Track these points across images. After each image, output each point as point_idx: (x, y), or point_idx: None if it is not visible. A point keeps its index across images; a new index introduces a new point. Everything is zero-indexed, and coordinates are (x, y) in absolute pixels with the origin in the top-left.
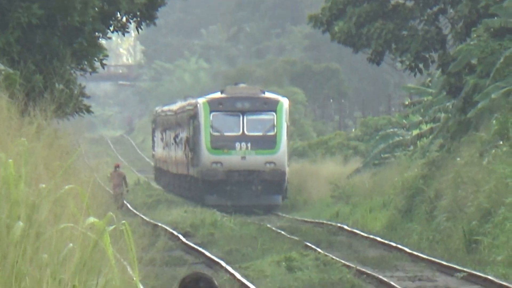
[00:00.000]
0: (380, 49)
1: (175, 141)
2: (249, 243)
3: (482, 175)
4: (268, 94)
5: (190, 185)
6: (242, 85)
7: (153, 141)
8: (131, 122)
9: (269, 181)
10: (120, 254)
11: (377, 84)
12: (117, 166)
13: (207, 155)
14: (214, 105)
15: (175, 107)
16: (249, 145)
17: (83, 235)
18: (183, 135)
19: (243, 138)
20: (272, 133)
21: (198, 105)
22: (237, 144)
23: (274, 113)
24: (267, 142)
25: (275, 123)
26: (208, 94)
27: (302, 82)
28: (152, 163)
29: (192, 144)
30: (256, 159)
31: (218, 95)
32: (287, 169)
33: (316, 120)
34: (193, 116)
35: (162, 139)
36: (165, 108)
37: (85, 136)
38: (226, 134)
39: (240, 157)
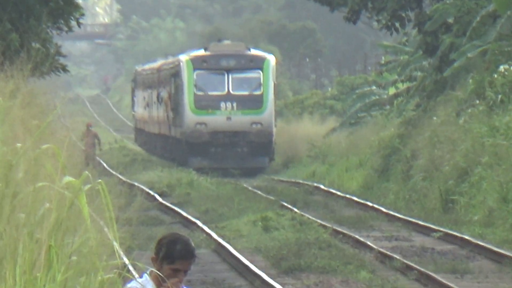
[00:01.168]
0: (357, 8)
1: (157, 101)
2: (225, 202)
3: (459, 134)
4: (254, 51)
5: (173, 147)
6: (226, 41)
7: (133, 101)
8: (107, 81)
9: (255, 142)
10: (97, 214)
11: (353, 43)
12: (89, 125)
13: (190, 116)
14: (197, 63)
15: (156, 65)
16: (234, 105)
17: (59, 195)
18: (165, 94)
19: (228, 97)
20: (258, 92)
21: (180, 63)
22: (222, 104)
23: (260, 71)
24: (254, 102)
25: (261, 81)
26: (190, 51)
27: (278, 41)
28: (131, 124)
29: (174, 104)
30: (242, 119)
31: (201, 52)
32: (274, 130)
33: (292, 79)
34: (176, 74)
35: (143, 99)
36: (146, 66)
37: (61, 95)
38: (210, 93)
39: (225, 117)
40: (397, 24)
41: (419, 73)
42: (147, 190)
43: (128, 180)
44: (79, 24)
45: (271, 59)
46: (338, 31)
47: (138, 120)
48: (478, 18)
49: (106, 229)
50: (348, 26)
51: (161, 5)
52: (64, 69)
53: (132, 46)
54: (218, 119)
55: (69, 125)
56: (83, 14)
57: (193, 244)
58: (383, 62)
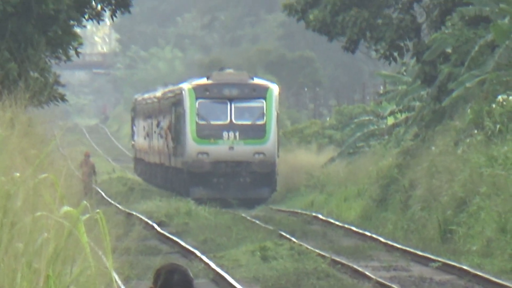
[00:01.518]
0: (355, 38)
1: (157, 130)
2: (224, 232)
3: (457, 164)
4: (257, 80)
5: (174, 177)
6: (229, 70)
7: (133, 130)
8: (106, 110)
9: (258, 172)
10: (95, 243)
11: (351, 73)
12: (87, 155)
13: (192, 145)
14: (200, 92)
15: (157, 94)
16: (237, 134)
17: (58, 224)
18: (166, 123)
19: (230, 127)
20: (261, 122)
21: (182, 91)
22: (225, 133)
23: (263, 100)
24: (256, 131)
25: (264, 111)
26: (192, 79)
27: (276, 71)
28: (130, 154)
29: (176, 133)
30: (245, 149)
31: (204, 81)
32: (277, 160)
33: (290, 109)
34: (177, 103)
35: (143, 128)
36: (146, 95)
37: (60, 125)
38: (212, 122)
39: (228, 147)
40: (396, 54)
41: (417, 103)
42: (146, 219)
43: (127, 210)
44: (77, 53)
45: (274, 88)
46: (337, 60)
47: (138, 150)
48: (476, 48)
49: (104, 259)
50: (347, 55)
51: (160, 34)
52: (63, 98)
53: (131, 75)
54: (220, 149)
55: (67, 154)
56: (81, 44)
57: (191, 275)
58: (381, 92)
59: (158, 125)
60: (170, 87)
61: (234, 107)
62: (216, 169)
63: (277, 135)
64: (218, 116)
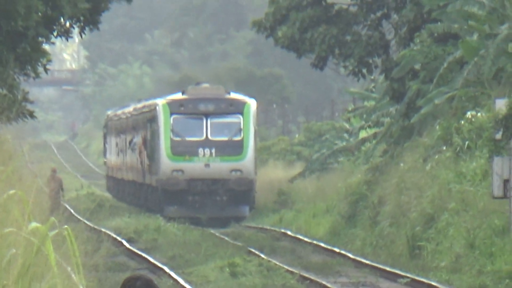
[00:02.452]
0: (324, 54)
1: (130, 147)
2: (193, 248)
3: (425, 180)
4: (233, 95)
5: (148, 195)
6: (205, 85)
7: (105, 147)
8: (75, 127)
9: (235, 190)
10: (64, 260)
11: (320, 90)
12: (54, 171)
13: (167, 162)
14: (174, 107)
15: (129, 110)
16: (213, 151)
17: (26, 241)
18: (140, 140)
19: (206, 143)
20: (238, 138)
21: (157, 107)
22: (200, 150)
23: (240, 116)
24: (233, 148)
25: (241, 126)
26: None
27: (245, 88)
28: (99, 170)
29: (150, 150)
30: (221, 166)
31: (179, 96)
32: (255, 177)
33: (259, 125)
34: (151, 119)
35: (115, 145)
36: (119, 111)
37: (29, 141)
38: (188, 139)
39: (204, 164)
40: (364, 71)
41: (386, 119)
42: (114, 236)
43: (95, 226)
44: (46, 70)
45: (252, 103)
46: (306, 77)
47: (110, 168)
48: (445, 65)
49: (73, 275)
50: (315, 72)
51: (129, 51)
52: (31, 115)
53: (100, 92)
54: (196, 166)
55: (36, 171)
56: (50, 60)
57: (156, 283)
58: (350, 108)
59: (131, 141)
60: (144, 103)
61: (210, 123)
62: (191, 187)
63: (254, 152)
64: (194, 132)
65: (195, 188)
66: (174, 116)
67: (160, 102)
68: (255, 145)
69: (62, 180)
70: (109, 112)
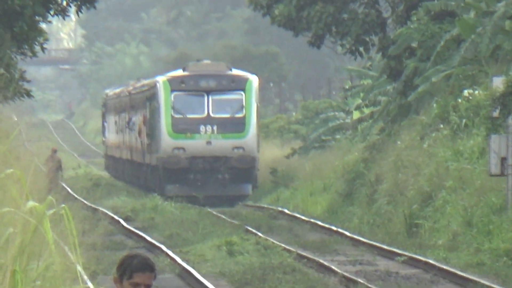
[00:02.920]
0: (321, 33)
1: (129, 126)
2: (190, 227)
3: (423, 158)
4: (235, 71)
5: (148, 174)
6: (206, 61)
7: (104, 126)
8: (72, 106)
9: (237, 168)
10: (61, 239)
11: (317, 68)
12: (54, 151)
13: (167, 140)
14: (175, 84)
15: (129, 88)
16: (215, 128)
17: (24, 220)
18: (140, 118)
19: (208, 120)
20: (240, 115)
21: (157, 84)
22: (202, 128)
23: (242, 92)
24: (235, 125)
25: (244, 103)
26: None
27: (242, 66)
28: (96, 149)
29: (150, 128)
30: (223, 144)
31: (179, 72)
32: (257, 155)
33: None
34: (151, 97)
35: (114, 124)
36: (118, 90)
37: (26, 120)
38: (189, 116)
39: (205, 141)
40: (361, 49)
41: (383, 98)
42: (112, 214)
43: (92, 205)
44: (43, 49)
45: (254, 80)
46: (302, 55)
47: (109, 147)
48: (442, 43)
49: (70, 254)
50: (312, 50)
51: (126, 30)
52: (28, 94)
53: (96, 71)
54: (197, 144)
55: (33, 150)
56: (47, 39)
57: (152, 260)
58: (347, 87)
59: (130, 120)
60: (144, 81)
61: (212, 100)
62: (193, 165)
63: (257, 129)
64: (195, 109)
65: (196, 166)
66: (174, 93)
67: (161, 79)
68: (258, 122)
69: (61, 160)
70: (108, 91)
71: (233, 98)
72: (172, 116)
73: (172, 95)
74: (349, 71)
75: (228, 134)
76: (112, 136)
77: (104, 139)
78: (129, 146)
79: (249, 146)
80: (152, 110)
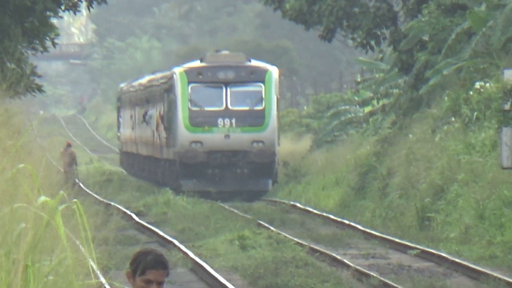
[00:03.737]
0: (332, 26)
1: (146, 120)
2: (202, 221)
3: (434, 151)
4: (255, 62)
5: (165, 170)
6: (224, 52)
7: (119, 121)
8: (83, 101)
9: (257, 163)
10: (73, 234)
11: (328, 62)
12: (68, 145)
13: (184, 134)
14: (192, 76)
15: (144, 81)
16: (233, 121)
17: (36, 215)
18: (156, 112)
19: (226, 113)
20: (260, 108)
21: (173, 75)
22: (220, 121)
23: (262, 84)
24: (255, 118)
25: (263, 95)
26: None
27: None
28: (107, 144)
29: (167, 122)
30: (242, 137)
31: (197, 63)
32: (277, 149)
33: None
34: (168, 89)
35: (130, 119)
36: (133, 83)
37: (37, 115)
38: (207, 109)
39: (223, 135)
40: (372, 42)
41: (394, 91)
42: (124, 209)
43: (105, 200)
44: (54, 44)
45: (274, 71)
46: (313, 49)
47: (124, 143)
48: (453, 36)
49: (82, 249)
50: (323, 44)
51: (137, 25)
52: (40, 89)
53: (108, 66)
54: (215, 137)
55: (45, 145)
56: (58, 34)
57: (166, 257)
58: (358, 80)
59: (146, 114)
60: (160, 74)
61: (230, 92)
62: (210, 160)
63: (277, 122)
64: (213, 101)
65: (214, 161)
66: (192, 85)
67: (177, 70)
68: (278, 115)
69: (75, 154)
70: (123, 85)
71: (252, 90)
72: (189, 109)
73: (189, 87)
74: (361, 63)
75: (247, 127)
76: (127, 131)
77: (119, 134)
78: (145, 141)
79: (269, 139)
80: (169, 103)
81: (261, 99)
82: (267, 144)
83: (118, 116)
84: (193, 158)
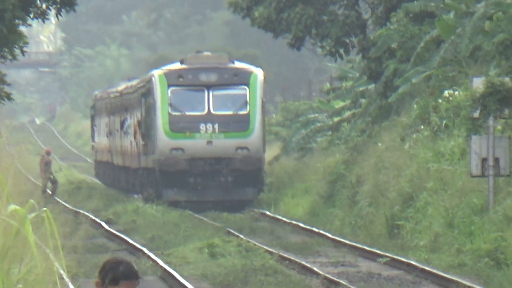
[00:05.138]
0: (301, 34)
1: (123, 128)
2: (172, 229)
3: (404, 159)
4: (238, 64)
5: (143, 179)
6: (206, 53)
7: (93, 130)
8: (52, 109)
9: (241, 170)
10: (43, 242)
11: (297, 70)
12: (46, 153)
13: (165, 140)
14: (172, 78)
15: (121, 87)
16: (216, 126)
17: (5, 223)
18: (133, 119)
19: (209, 118)
20: (244, 112)
21: (152, 78)
22: (202, 126)
23: (246, 87)
24: (239, 123)
25: (247, 99)
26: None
27: None
28: (77, 151)
29: (144, 128)
30: (226, 143)
31: (177, 66)
32: (263, 156)
33: None
34: (146, 93)
35: (105, 127)
36: (108, 90)
37: (6, 123)
38: (188, 113)
39: (206, 141)
40: (341, 50)
41: (363, 99)
42: (93, 217)
43: (74, 208)
44: (23, 52)
45: (259, 73)
46: (282, 57)
47: (99, 152)
48: (422, 44)
49: (52, 257)
50: (292, 52)
51: (106, 33)
52: (9, 97)
53: (77, 74)
54: (197, 144)
55: (14, 153)
56: (27, 43)
57: (135, 267)
58: (326, 88)
59: (124, 122)
60: (136, 80)
61: (213, 95)
62: (192, 168)
63: (263, 127)
64: (194, 106)
65: (196, 169)
66: (172, 88)
67: (156, 73)
68: (263, 119)
69: (49, 161)
70: (97, 92)
71: (236, 93)
72: (170, 114)
73: (169, 91)
74: (334, 68)
75: (231, 133)
76: (103, 140)
77: (93, 143)
78: (122, 150)
79: (254, 146)
80: (148, 108)
81: (246, 103)
82: (252, 151)
83: (93, 124)
84: (174, 165)
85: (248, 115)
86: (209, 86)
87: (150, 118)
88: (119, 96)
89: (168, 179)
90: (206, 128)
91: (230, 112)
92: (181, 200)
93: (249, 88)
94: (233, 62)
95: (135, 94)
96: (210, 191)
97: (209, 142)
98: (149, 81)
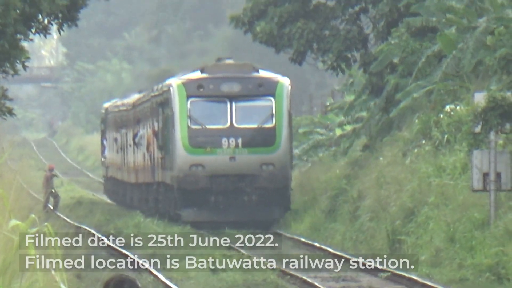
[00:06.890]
0: (302, 49)
1: (136, 141)
2: (173, 244)
3: (405, 174)
4: (263, 73)
5: (159, 197)
6: (228, 61)
7: (103, 144)
8: (54, 124)
9: (266, 188)
10: (44, 256)
11: (298, 84)
12: (49, 169)
13: (183, 156)
14: (192, 89)
15: (133, 99)
16: (239, 141)
17: (7, 238)
18: (146, 129)
19: (231, 132)
20: (270, 125)
21: (170, 88)
22: (224, 140)
23: (272, 98)
24: (264, 137)
25: (273, 111)
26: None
27: None
28: (78, 166)
29: (162, 142)
30: (249, 159)
31: (197, 74)
32: (290, 172)
33: None
34: (164, 103)
35: (115, 141)
36: (119, 102)
37: (8, 139)
38: (208, 127)
39: (228, 157)
40: (343, 65)
41: (365, 114)
42: (94, 232)
43: (75, 223)
44: (25, 67)
45: (286, 82)
46: (283, 72)
47: (109, 167)
48: (423, 59)
49: (53, 272)
50: (293, 67)
51: (107, 48)
52: (10, 112)
53: (78, 89)
54: (218, 160)
55: (16, 168)
56: (28, 58)
57: (140, 284)
58: (328, 103)
59: (137, 135)
60: (153, 88)
61: (236, 107)
62: (214, 185)
63: (290, 142)
64: (216, 119)
65: (218, 186)
66: (191, 99)
67: (174, 82)
68: (291, 133)
69: (51, 177)
70: (107, 105)
71: (261, 105)
72: (189, 127)
73: (189, 102)
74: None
75: (256, 148)
76: (113, 156)
77: (103, 159)
78: (135, 165)
79: (280, 162)
80: (165, 120)
81: (271, 116)
82: (278, 167)
83: (103, 138)
84: (193, 183)
85: (274, 128)
86: (231, 97)
87: (168, 131)
88: (132, 108)
89: (187, 198)
90: (228, 143)
91: (254, 126)
92: (202, 220)
93: (275, 99)
94: (257, 71)
95: (149, 103)
96: (233, 211)
97: (232, 158)
98: (167, 91)
